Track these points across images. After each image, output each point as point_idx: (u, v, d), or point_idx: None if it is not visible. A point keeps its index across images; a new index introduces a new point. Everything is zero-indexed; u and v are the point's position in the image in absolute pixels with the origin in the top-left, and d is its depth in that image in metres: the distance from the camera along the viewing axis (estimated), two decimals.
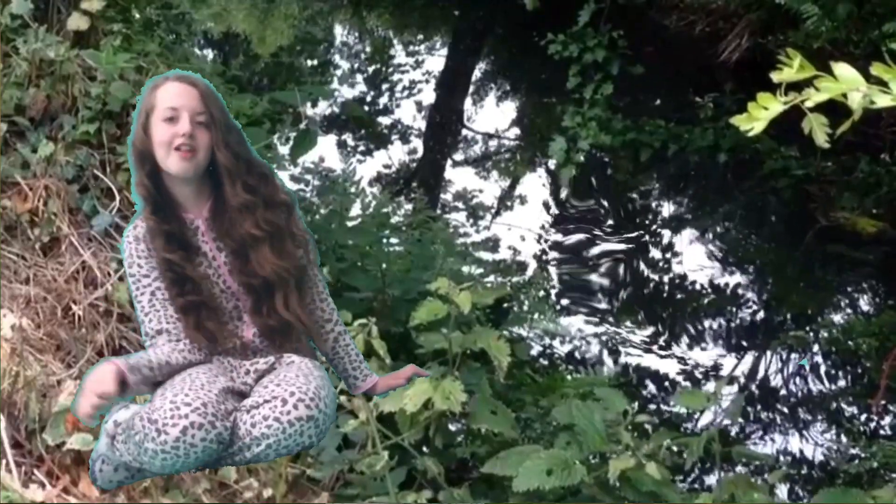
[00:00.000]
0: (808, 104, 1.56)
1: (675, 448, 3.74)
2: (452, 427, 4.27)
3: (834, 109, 1.55)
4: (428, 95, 11.54)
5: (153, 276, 2.41)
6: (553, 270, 7.68)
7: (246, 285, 2.44)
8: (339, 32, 13.99)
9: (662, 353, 6.69)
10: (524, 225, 8.15)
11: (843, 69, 1.55)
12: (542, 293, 6.93)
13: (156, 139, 2.33)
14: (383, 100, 11.46)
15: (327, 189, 6.86)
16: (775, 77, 1.59)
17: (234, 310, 2.48)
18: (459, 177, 9.62)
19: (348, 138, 10.18)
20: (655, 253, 8.02)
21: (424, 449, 3.77)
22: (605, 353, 6.69)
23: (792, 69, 1.57)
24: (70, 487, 3.40)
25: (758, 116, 1.57)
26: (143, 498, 3.32)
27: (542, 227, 8.20)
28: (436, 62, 12.65)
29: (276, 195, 2.46)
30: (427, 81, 11.87)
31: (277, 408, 2.26)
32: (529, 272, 7.40)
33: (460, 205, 8.71)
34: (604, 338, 6.84)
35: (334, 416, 2.40)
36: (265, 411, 2.26)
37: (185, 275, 2.40)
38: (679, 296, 7.50)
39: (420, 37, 13.92)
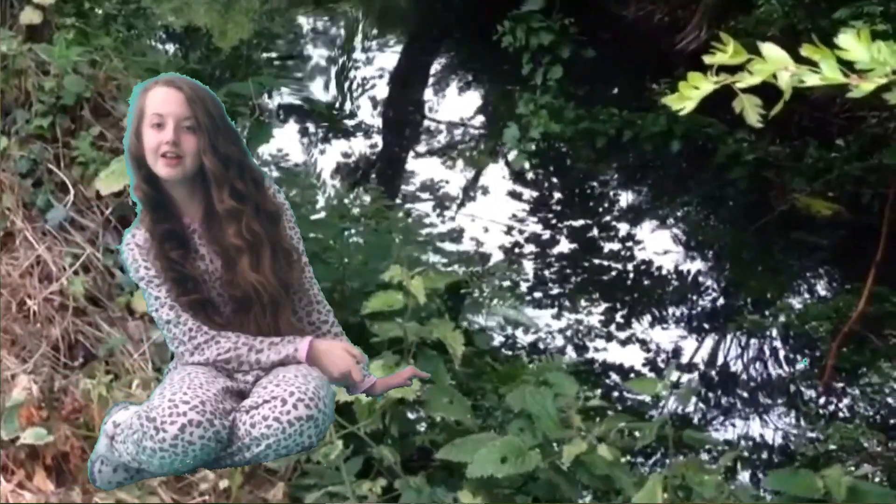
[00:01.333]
0: (740, 86, 1.57)
1: (636, 434, 3.78)
2: (412, 416, 4.29)
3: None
4: (385, 87, 11.55)
5: (162, 277, 2.41)
6: (515, 259, 7.71)
7: (230, 294, 2.43)
8: (301, 25, 13.94)
9: (624, 340, 6.75)
10: (486, 216, 8.17)
11: (770, 49, 1.57)
12: (505, 283, 6.96)
13: (145, 145, 2.33)
14: (344, 92, 11.45)
15: (289, 181, 6.85)
16: (707, 60, 1.61)
17: (232, 314, 2.46)
18: (421, 167, 9.63)
19: (310, 130, 10.17)
20: (616, 241, 8.07)
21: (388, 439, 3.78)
22: (568, 342, 6.73)
23: (726, 53, 1.59)
24: (25, 482, 3.39)
25: (688, 96, 1.58)
26: (97, 492, 3.31)
27: (500, 218, 8.22)
28: (394, 54, 12.66)
29: (265, 203, 2.44)
30: (383, 75, 11.88)
31: (277, 408, 2.26)
32: (491, 262, 7.42)
33: (424, 195, 8.71)
34: (565, 326, 6.88)
35: (333, 416, 2.40)
36: (265, 411, 2.26)
37: (186, 273, 2.40)
38: (642, 283, 7.55)
39: (379, 29, 13.91)
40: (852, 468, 4.79)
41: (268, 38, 12.27)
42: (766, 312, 7.05)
